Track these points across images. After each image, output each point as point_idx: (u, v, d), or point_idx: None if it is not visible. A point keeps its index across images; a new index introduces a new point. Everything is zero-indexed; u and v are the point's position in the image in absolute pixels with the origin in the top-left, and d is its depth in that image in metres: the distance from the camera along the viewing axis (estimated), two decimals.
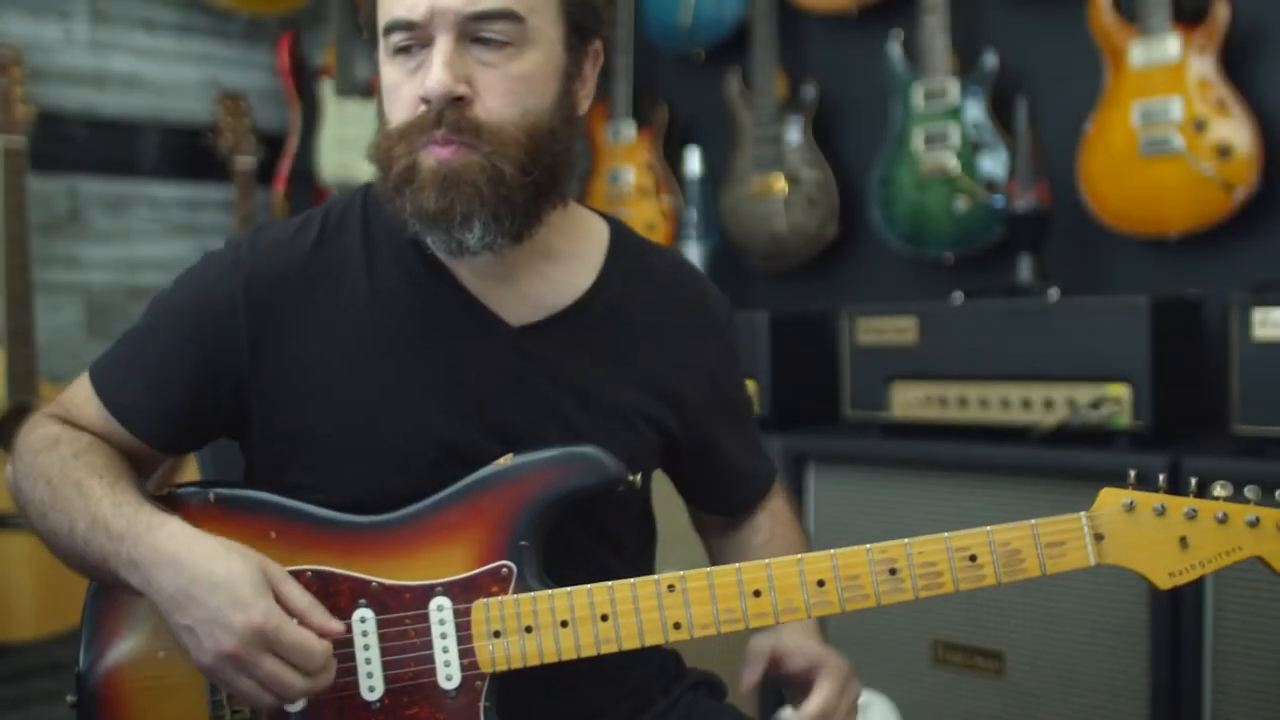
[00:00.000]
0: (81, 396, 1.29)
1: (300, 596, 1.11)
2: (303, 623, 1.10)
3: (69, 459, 1.23)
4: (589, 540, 1.27)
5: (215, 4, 3.22)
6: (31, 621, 2.66)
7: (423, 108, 1.15)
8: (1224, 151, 2.29)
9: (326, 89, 3.29)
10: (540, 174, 1.18)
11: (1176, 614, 1.96)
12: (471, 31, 1.14)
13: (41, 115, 2.87)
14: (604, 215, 1.38)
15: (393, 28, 1.16)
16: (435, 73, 1.13)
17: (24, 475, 1.25)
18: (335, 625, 1.12)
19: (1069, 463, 2.07)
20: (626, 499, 1.30)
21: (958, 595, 2.17)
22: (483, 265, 1.23)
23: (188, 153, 3.24)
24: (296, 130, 3.30)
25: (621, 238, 1.36)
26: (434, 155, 1.15)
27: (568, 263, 1.29)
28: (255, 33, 3.37)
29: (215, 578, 1.08)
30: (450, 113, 1.14)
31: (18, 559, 2.63)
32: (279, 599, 1.10)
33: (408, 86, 1.17)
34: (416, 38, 1.15)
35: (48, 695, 2.85)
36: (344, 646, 1.17)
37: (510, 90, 1.16)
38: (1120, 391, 2.11)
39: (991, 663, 2.18)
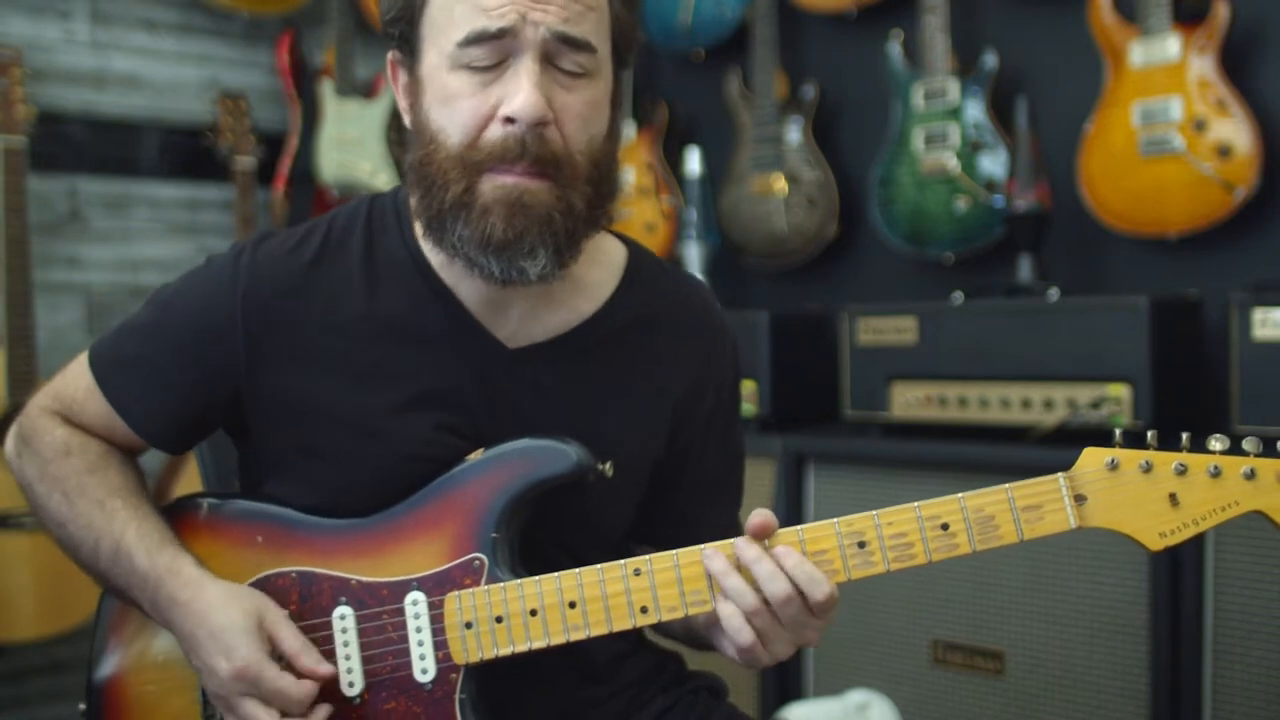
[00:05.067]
0: (82, 388, 1.30)
1: (292, 641, 1.17)
2: (293, 664, 1.16)
3: (84, 473, 1.27)
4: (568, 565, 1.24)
5: (215, 4, 3.22)
6: (31, 621, 2.66)
7: (496, 126, 1.12)
8: (1224, 151, 2.29)
9: (326, 89, 3.29)
10: (601, 208, 1.18)
11: (1176, 614, 1.96)
12: (553, 55, 1.13)
13: (41, 115, 2.87)
14: (623, 239, 1.36)
15: (474, 40, 1.11)
16: (528, 94, 1.10)
17: (36, 479, 1.30)
18: (324, 669, 1.17)
19: (1069, 463, 2.06)
20: (608, 530, 1.31)
21: (958, 595, 2.19)
22: (487, 288, 1.22)
23: (188, 153, 3.24)
24: (296, 130, 3.30)
25: (638, 265, 1.34)
26: (508, 179, 1.12)
27: (578, 287, 1.28)
28: (255, 33, 3.37)
29: (214, 626, 1.16)
30: (533, 141, 1.11)
31: (18, 559, 2.63)
32: (275, 642, 1.17)
33: (474, 100, 1.12)
34: (497, 51, 1.12)
35: (48, 695, 2.85)
36: (325, 644, 1.20)
37: (582, 117, 1.15)
38: (1120, 391, 2.11)
39: (991, 663, 2.18)
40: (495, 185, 1.12)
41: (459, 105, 1.13)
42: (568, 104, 1.14)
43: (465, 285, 1.24)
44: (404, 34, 1.18)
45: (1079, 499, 1.11)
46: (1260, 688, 1.89)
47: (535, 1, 1.10)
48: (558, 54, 1.13)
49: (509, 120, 1.11)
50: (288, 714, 1.15)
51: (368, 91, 3.36)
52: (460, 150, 1.13)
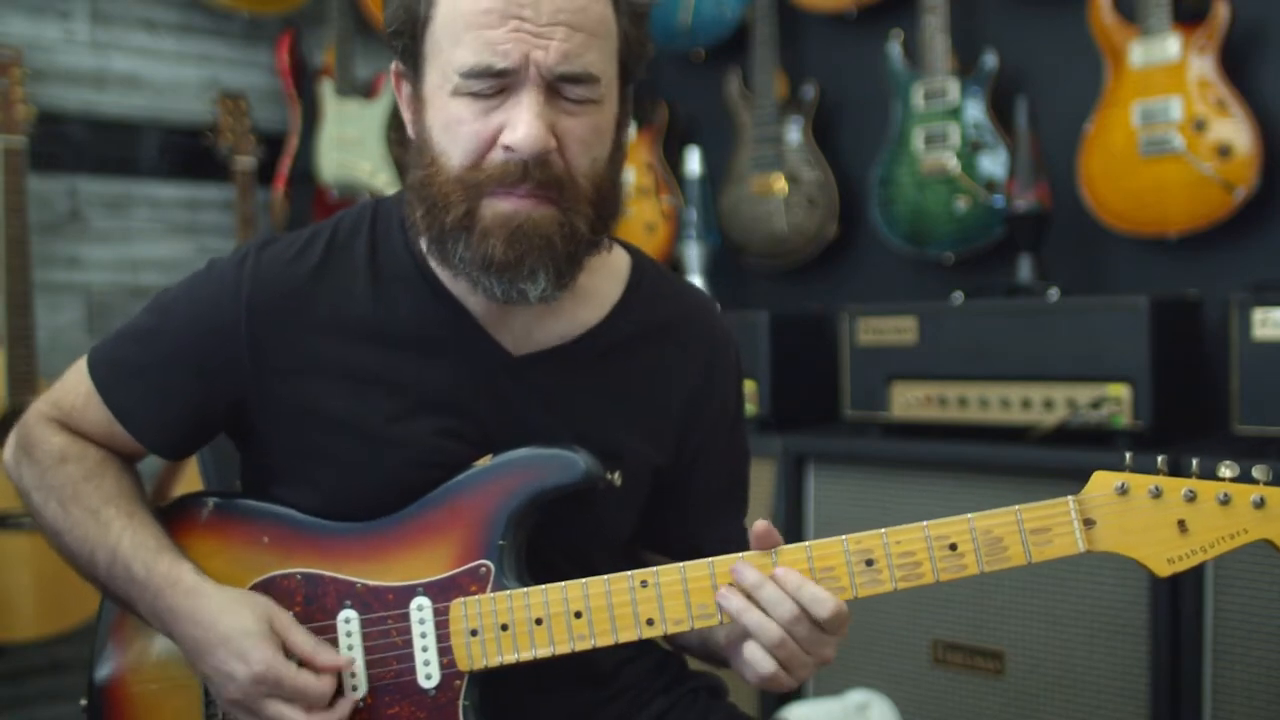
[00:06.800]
0: (81, 393, 1.29)
1: (304, 641, 1.17)
2: (309, 663, 1.16)
3: (79, 481, 1.27)
4: (575, 573, 1.23)
5: (215, 4, 3.21)
6: (31, 621, 2.66)
7: (498, 153, 1.12)
8: (1224, 151, 2.29)
9: (326, 89, 3.29)
10: (603, 229, 1.19)
11: (1176, 614, 1.96)
12: (557, 88, 1.13)
13: (41, 115, 2.87)
14: (629, 248, 1.36)
15: (478, 74, 1.11)
16: (530, 127, 1.10)
17: (34, 488, 1.29)
18: (340, 660, 1.17)
19: (1069, 463, 2.07)
20: (613, 537, 1.31)
21: (958, 595, 2.19)
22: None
23: (188, 153, 3.24)
24: (296, 130, 3.30)
25: (642, 275, 1.34)
26: (508, 203, 1.12)
27: (583, 297, 1.27)
28: (255, 33, 3.37)
29: (223, 632, 1.16)
30: (535, 165, 1.11)
31: (18, 559, 2.63)
32: (286, 644, 1.16)
33: (475, 125, 1.13)
34: (500, 84, 1.12)
35: (48, 695, 2.85)
36: None
37: (585, 142, 1.15)
38: (1120, 391, 2.11)
39: (991, 663, 2.18)
40: (496, 212, 1.13)
41: (461, 130, 1.13)
42: (571, 129, 1.14)
43: (469, 293, 1.23)
44: (407, 47, 1.18)
45: (1088, 523, 1.11)
46: (1260, 688, 1.89)
47: (538, 37, 1.10)
48: (560, 88, 1.13)
49: (508, 149, 1.11)
50: (312, 710, 1.15)
51: (368, 91, 3.35)
52: (461, 172, 1.13)
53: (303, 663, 1.17)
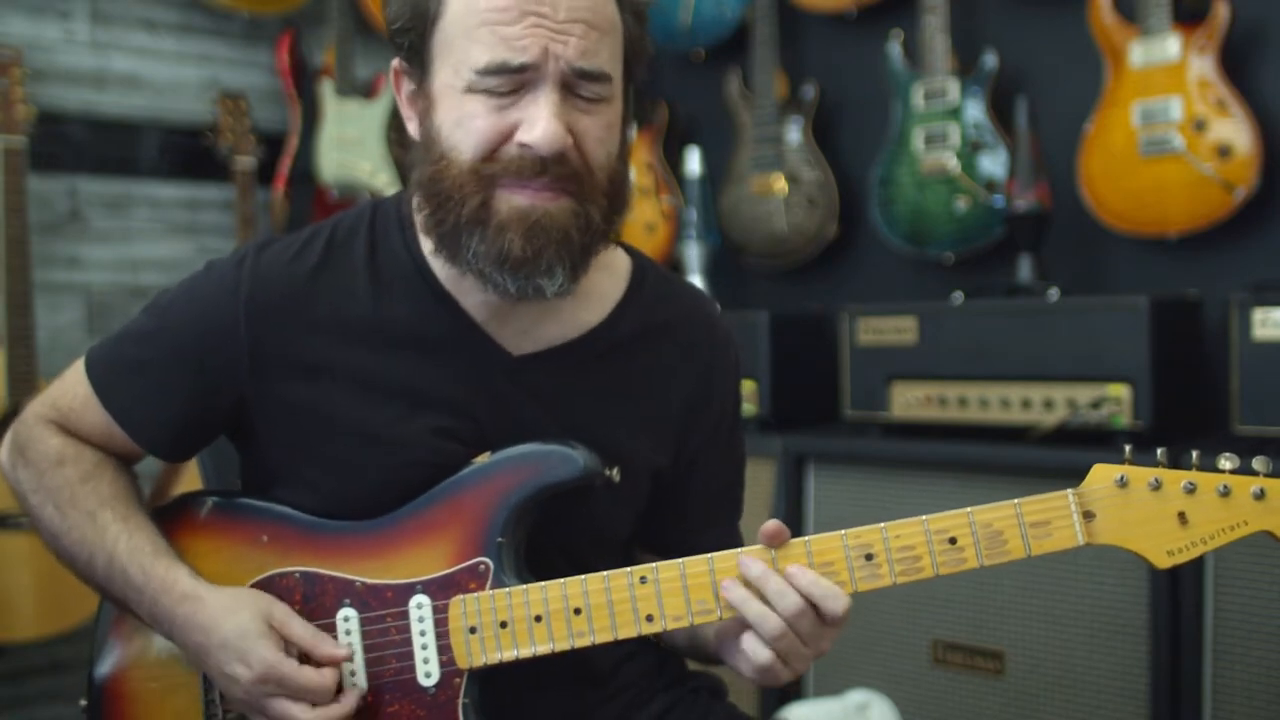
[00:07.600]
0: (79, 395, 1.29)
1: (304, 633, 1.18)
2: (310, 654, 1.17)
3: (76, 483, 1.26)
4: (572, 572, 1.23)
5: (215, 4, 3.21)
6: (31, 621, 2.66)
7: (513, 147, 1.12)
8: (1224, 151, 2.29)
9: (326, 89, 3.29)
10: (614, 221, 1.19)
11: (1176, 614, 1.96)
12: (572, 85, 1.13)
13: (41, 115, 2.87)
14: (629, 249, 1.36)
15: (495, 71, 1.11)
16: (549, 125, 1.10)
17: (31, 490, 1.29)
18: (340, 652, 1.18)
19: (1069, 463, 2.07)
20: (611, 535, 1.31)
21: (958, 595, 2.19)
22: (494, 297, 1.21)
23: (188, 153, 3.24)
24: (296, 130, 3.30)
25: (643, 276, 1.34)
26: (524, 196, 1.13)
27: (584, 296, 1.27)
28: (255, 33, 3.37)
29: (225, 635, 1.17)
30: (554, 163, 1.12)
31: (18, 559, 2.63)
32: (286, 638, 1.17)
33: (490, 119, 1.12)
34: (516, 81, 1.12)
35: (48, 695, 2.85)
36: None
37: (599, 139, 1.15)
38: (1120, 391, 2.11)
39: (991, 663, 2.18)
40: (511, 205, 1.13)
41: (474, 124, 1.13)
42: (587, 128, 1.14)
43: (470, 293, 1.23)
44: (413, 45, 1.17)
45: (1088, 516, 1.11)
46: (1260, 688, 1.89)
47: (556, 33, 1.10)
48: (576, 85, 1.13)
49: (524, 146, 1.11)
50: (317, 704, 1.15)
51: (368, 91, 3.35)
52: (474, 164, 1.13)
53: (304, 655, 1.17)
